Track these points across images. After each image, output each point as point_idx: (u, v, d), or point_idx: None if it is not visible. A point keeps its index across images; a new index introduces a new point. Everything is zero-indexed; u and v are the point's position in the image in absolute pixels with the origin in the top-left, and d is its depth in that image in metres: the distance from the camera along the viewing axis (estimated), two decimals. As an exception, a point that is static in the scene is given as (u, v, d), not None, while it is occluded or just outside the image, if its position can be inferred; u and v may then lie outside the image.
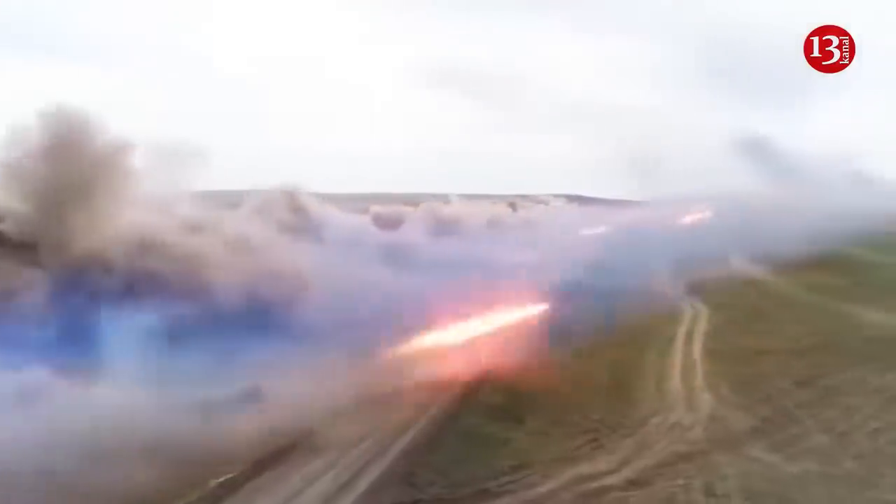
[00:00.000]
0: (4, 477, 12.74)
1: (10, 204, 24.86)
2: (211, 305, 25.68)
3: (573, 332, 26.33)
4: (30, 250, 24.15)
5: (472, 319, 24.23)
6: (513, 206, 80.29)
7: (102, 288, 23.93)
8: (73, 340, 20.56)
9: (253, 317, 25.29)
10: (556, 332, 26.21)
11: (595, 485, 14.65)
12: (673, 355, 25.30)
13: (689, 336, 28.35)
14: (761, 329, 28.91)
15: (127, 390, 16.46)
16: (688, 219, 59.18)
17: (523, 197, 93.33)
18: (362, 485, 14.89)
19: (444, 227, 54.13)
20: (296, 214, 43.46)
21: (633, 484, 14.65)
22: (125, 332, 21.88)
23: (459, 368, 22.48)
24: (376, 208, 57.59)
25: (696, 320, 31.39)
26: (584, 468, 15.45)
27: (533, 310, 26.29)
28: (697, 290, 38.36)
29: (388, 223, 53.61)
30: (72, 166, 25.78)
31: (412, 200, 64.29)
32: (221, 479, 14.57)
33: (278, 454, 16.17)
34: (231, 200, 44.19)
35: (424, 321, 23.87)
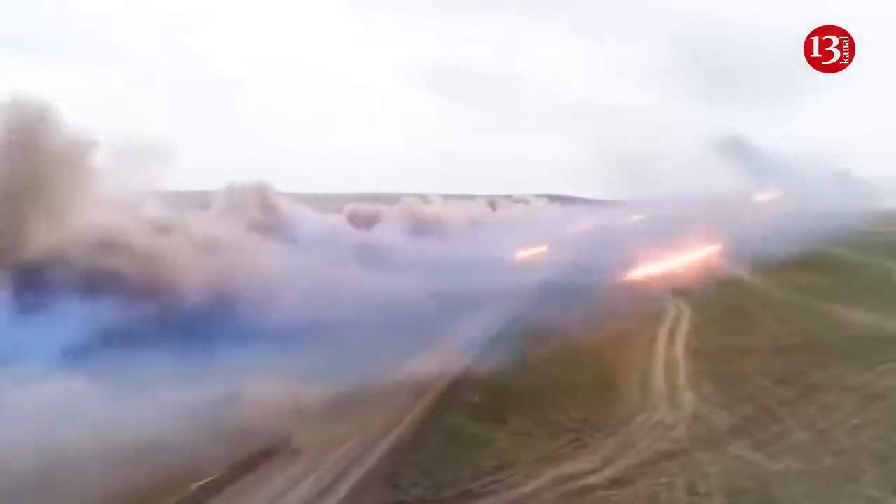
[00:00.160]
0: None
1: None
2: (175, 306, 25.71)
3: (556, 331, 26.80)
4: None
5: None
6: (493, 205, 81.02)
7: (61, 287, 23.80)
8: (31, 341, 20.48)
9: (219, 317, 25.35)
10: (539, 331, 26.80)
11: (578, 484, 14.98)
12: (656, 354, 25.85)
13: (672, 335, 28.95)
14: (743, 328, 29.71)
15: (100, 392, 16.46)
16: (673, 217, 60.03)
17: (506, 197, 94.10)
18: (344, 487, 15.08)
19: (422, 226, 54.37)
20: (266, 213, 43.41)
21: (616, 483, 15.00)
22: (85, 332, 21.86)
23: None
24: (351, 206, 57.48)
25: (678, 319, 32.05)
26: (568, 468, 15.77)
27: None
28: (680, 289, 39.12)
29: (364, 222, 53.67)
30: (27, 162, 25.53)
31: (393, 201, 64.49)
32: (202, 483, 14.66)
33: (259, 457, 16.26)
34: (208, 201, 44.22)
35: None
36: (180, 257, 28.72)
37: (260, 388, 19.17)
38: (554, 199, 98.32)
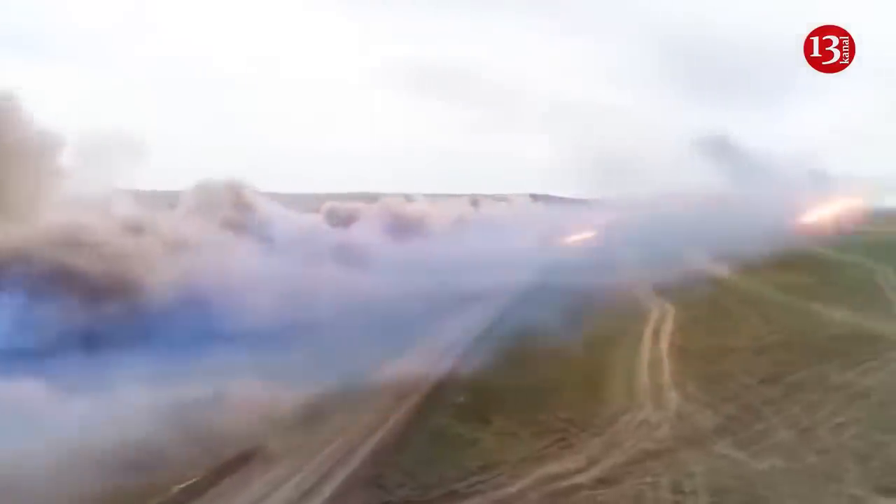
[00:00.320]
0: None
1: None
2: (144, 306, 25.67)
3: (540, 331, 27.20)
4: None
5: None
6: (475, 203, 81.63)
7: (23, 287, 23.67)
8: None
9: (189, 318, 25.36)
10: (523, 331, 27.15)
11: (564, 484, 15.26)
12: (640, 354, 26.34)
13: (656, 335, 29.51)
14: (727, 327, 30.29)
15: (77, 395, 16.48)
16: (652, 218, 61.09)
17: (492, 196, 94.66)
18: (328, 489, 15.28)
19: (402, 225, 54.46)
20: (239, 211, 43.15)
21: (601, 482, 15.30)
22: (48, 334, 21.78)
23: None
24: (329, 204, 57.32)
25: (663, 319, 32.64)
26: (553, 467, 16.06)
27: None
28: (664, 288, 39.83)
29: (342, 220, 53.59)
30: None
31: (374, 200, 64.50)
32: (183, 485, 14.77)
33: (241, 459, 16.41)
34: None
35: None
36: (149, 256, 28.67)
37: (240, 389, 19.31)
38: (536, 198, 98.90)
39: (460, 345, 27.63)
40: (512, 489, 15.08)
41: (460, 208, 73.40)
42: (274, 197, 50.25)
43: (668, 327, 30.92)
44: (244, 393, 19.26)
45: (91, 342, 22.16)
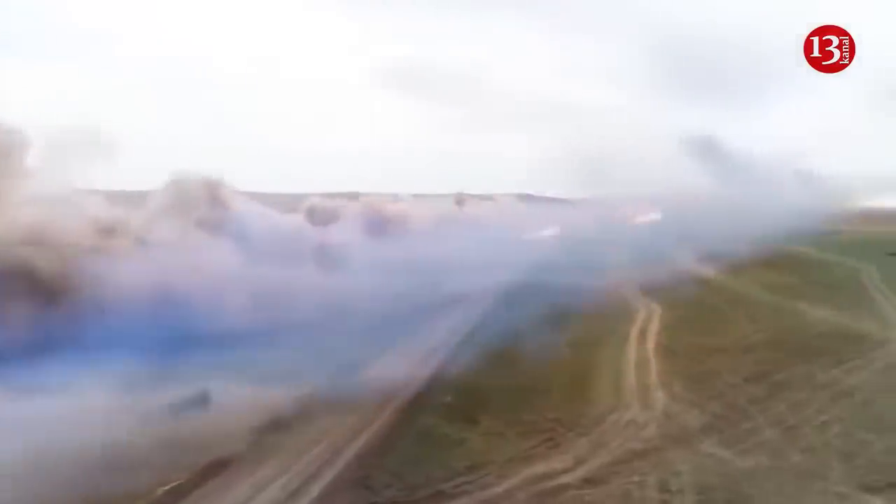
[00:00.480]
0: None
1: None
2: (111, 307, 25.65)
3: (527, 331, 27.56)
4: None
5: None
6: (460, 202, 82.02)
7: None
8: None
9: (157, 318, 25.40)
10: (509, 331, 27.50)
11: (551, 484, 15.59)
12: (627, 354, 26.82)
13: (643, 334, 30.05)
14: (713, 327, 30.94)
15: (37, 396, 16.50)
16: (638, 218, 62.09)
17: (478, 196, 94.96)
18: (315, 489, 15.48)
19: (384, 224, 54.54)
20: (214, 210, 42.85)
21: (588, 482, 15.65)
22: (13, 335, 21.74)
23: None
24: (309, 203, 57.13)
25: (649, 319, 33.22)
26: (540, 467, 16.40)
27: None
28: (651, 289, 40.47)
29: (323, 219, 53.46)
30: None
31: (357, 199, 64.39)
32: (168, 487, 14.90)
33: (227, 460, 16.57)
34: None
35: None
36: (118, 256, 28.63)
37: (217, 391, 19.45)
38: (521, 197, 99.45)
39: (445, 346, 27.88)
40: (499, 489, 15.37)
41: (444, 207, 73.63)
42: (259, 196, 49.99)
43: (654, 327, 31.47)
44: (222, 394, 19.41)
45: (52, 344, 22.15)
